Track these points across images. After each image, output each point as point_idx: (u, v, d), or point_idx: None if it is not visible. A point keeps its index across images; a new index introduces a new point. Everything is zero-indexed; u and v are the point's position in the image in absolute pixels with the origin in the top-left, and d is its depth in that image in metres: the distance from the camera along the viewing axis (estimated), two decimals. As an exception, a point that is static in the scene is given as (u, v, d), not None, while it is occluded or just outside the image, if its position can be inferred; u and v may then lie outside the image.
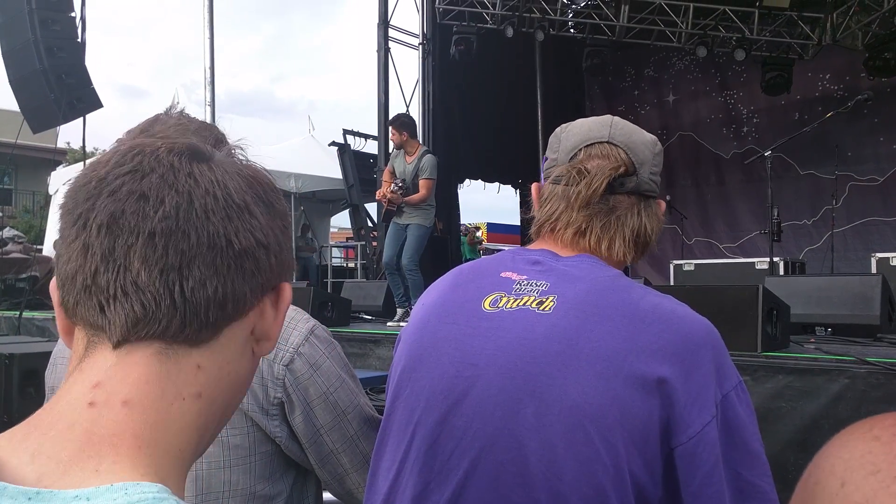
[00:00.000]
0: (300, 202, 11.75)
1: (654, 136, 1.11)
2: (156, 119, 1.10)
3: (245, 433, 1.08)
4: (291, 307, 1.14)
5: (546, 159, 1.12)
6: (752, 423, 0.90)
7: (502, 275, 1.04)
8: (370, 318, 6.06)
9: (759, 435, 0.91)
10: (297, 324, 1.16)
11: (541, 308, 0.96)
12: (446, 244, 10.05)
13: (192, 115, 0.94)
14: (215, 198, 0.53)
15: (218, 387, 0.54)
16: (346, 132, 10.77)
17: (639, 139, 1.08)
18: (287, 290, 0.59)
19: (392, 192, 5.66)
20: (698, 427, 0.86)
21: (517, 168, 11.51)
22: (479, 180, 11.63)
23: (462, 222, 12.37)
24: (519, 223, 13.51)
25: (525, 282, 1.01)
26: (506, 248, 1.15)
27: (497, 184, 11.95)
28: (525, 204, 12.04)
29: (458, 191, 11.05)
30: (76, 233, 0.52)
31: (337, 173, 10.82)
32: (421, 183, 5.74)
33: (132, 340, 0.51)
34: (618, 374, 0.88)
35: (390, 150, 6.15)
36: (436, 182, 5.82)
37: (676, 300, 0.96)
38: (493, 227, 17.20)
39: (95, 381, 0.49)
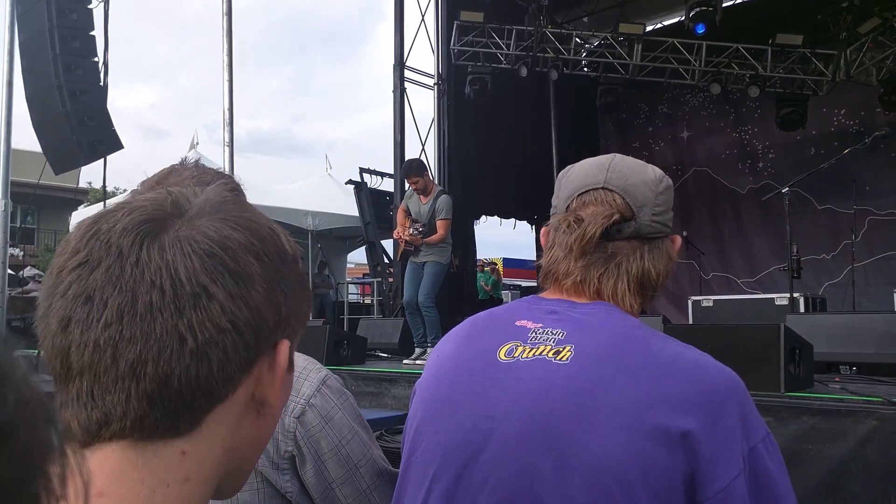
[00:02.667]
0: (317, 240, 11.68)
1: (660, 173, 1.08)
2: (171, 170, 1.08)
3: (255, 490, 1.05)
4: (302, 356, 1.12)
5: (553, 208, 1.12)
6: (782, 475, 0.87)
7: (517, 323, 1.02)
8: (386, 356, 6.02)
9: (791, 488, 0.87)
10: (308, 374, 1.12)
11: (558, 358, 0.94)
12: (462, 279, 9.94)
13: (207, 166, 0.92)
14: (162, 292, 0.49)
15: (212, 466, 0.52)
16: (362, 170, 10.64)
17: (639, 180, 1.05)
18: (283, 350, 0.55)
19: (411, 235, 5.67)
20: (724, 482, 0.83)
21: (533, 204, 11.41)
22: (495, 216, 11.47)
23: (478, 257, 12.21)
24: (535, 258, 13.09)
25: (541, 330, 0.99)
26: (522, 285, 1.14)
27: (513, 220, 11.80)
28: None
29: (474, 226, 10.96)
30: (42, 329, 0.52)
31: (353, 210, 10.77)
32: (438, 224, 5.75)
33: (99, 441, 0.50)
34: (640, 427, 0.86)
35: (406, 188, 6.17)
36: (451, 221, 5.83)
37: (698, 350, 0.93)
38: (509, 263, 17.17)
39: None
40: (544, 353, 0.95)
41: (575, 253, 1.01)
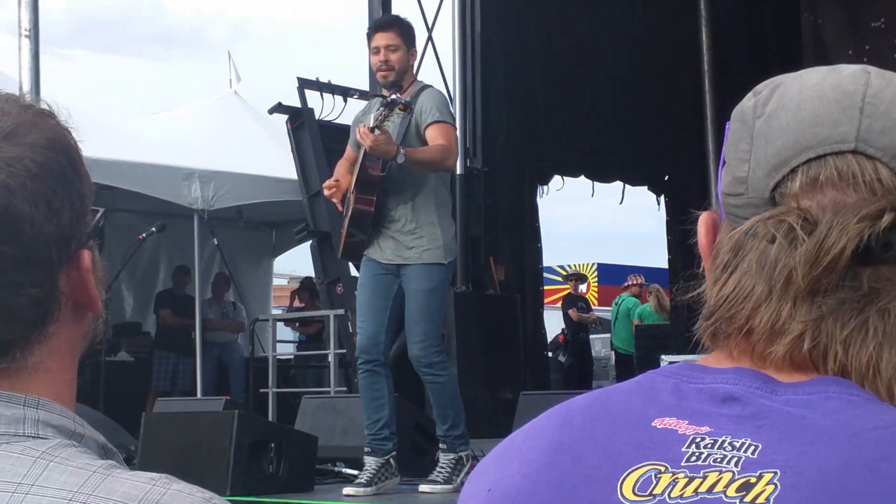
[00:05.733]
0: (210, 228, 11.40)
1: None
2: None
3: None
4: (177, 484, 1.08)
5: (724, 164, 1.08)
6: None
7: (657, 424, 0.97)
8: (357, 473, 6.14)
9: None
10: None
11: (748, 498, 0.88)
12: (513, 311, 9.82)
13: None
14: None
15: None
16: (304, 85, 10.38)
17: None
18: (85, 260, 1.03)
19: (372, 128, 5.50)
20: None
21: (660, 155, 11.31)
22: (581, 177, 11.48)
23: (544, 264, 11.98)
24: (667, 265, 12.68)
25: (709, 440, 0.93)
26: (669, 363, 1.09)
27: (619, 184, 11.65)
28: (678, 229, 11.79)
29: (538, 200, 10.93)
30: None
31: (284, 168, 10.74)
32: (432, 130, 5.64)
33: None
34: None
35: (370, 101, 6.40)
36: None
37: None
38: (608, 274, 16.51)
39: None
40: (718, 487, 0.90)
41: (798, 289, 0.96)
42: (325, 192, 5.94)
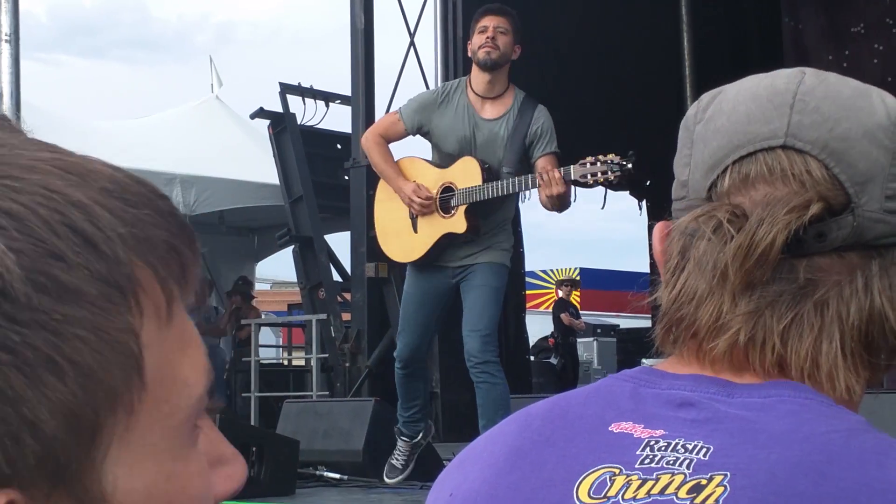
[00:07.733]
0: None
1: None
2: None
3: None
4: None
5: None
6: None
7: (614, 428, 0.98)
8: (338, 477, 6.32)
9: None
10: None
11: (698, 500, 0.89)
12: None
13: None
14: None
15: None
16: (286, 90, 10.67)
17: (856, 125, 0.99)
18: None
19: (569, 181, 5.30)
20: None
21: (641, 161, 10.95)
22: None
23: (526, 269, 12.22)
24: (648, 269, 13.02)
25: (663, 443, 0.95)
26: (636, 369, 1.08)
27: (600, 189, 11.61)
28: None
29: (520, 205, 10.91)
30: None
31: (267, 173, 11.09)
32: (548, 161, 5.39)
33: None
34: None
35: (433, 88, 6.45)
36: None
37: None
38: (591, 279, 16.52)
39: None
40: (670, 489, 0.91)
41: (733, 284, 0.97)
42: (418, 202, 5.52)
